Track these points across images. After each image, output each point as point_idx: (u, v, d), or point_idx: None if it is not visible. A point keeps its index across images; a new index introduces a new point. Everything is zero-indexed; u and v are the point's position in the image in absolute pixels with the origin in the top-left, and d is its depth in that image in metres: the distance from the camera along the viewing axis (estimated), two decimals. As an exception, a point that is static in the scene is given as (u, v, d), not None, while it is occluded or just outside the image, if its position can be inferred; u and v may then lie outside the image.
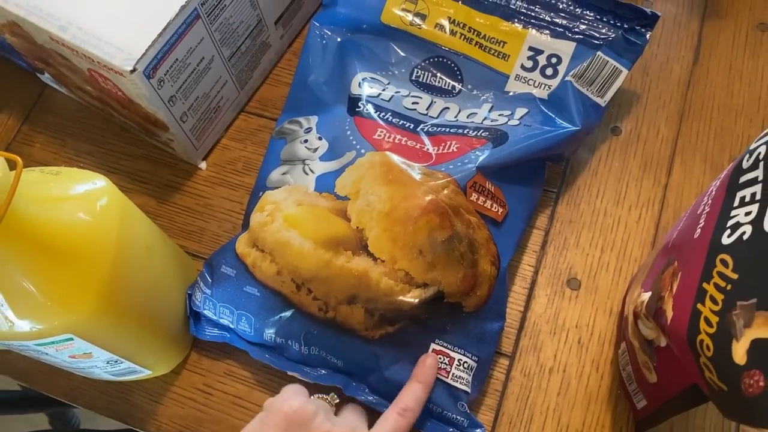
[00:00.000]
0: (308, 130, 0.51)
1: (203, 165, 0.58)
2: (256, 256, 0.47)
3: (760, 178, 0.32)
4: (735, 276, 0.30)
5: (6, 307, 0.36)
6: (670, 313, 0.35)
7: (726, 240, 0.32)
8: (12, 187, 0.31)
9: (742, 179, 0.34)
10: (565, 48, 0.50)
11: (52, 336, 0.37)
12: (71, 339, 0.38)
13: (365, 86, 0.51)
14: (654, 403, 0.41)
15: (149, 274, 0.44)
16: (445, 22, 0.52)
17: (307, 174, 0.48)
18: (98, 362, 0.43)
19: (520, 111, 0.50)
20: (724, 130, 0.56)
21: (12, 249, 0.34)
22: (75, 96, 0.61)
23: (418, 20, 0.52)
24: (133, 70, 0.46)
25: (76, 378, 0.51)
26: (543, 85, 0.50)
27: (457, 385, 0.44)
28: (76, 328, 0.37)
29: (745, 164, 0.34)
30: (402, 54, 0.52)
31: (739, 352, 0.29)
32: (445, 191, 0.45)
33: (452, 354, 0.44)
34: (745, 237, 0.31)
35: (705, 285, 0.32)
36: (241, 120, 0.60)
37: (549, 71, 0.50)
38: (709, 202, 0.36)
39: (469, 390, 0.45)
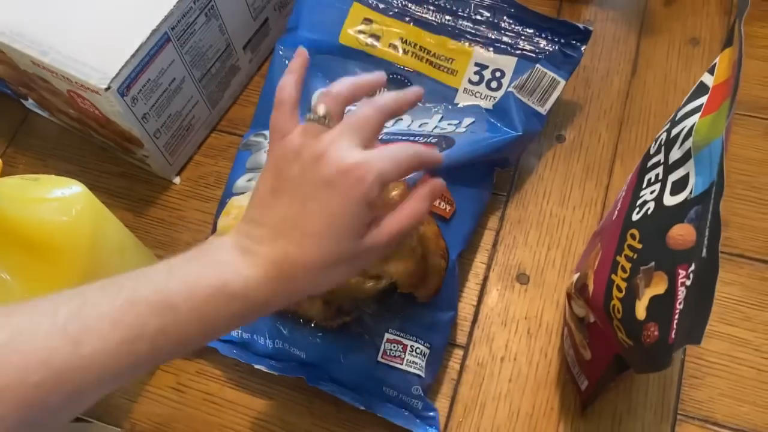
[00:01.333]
0: None
1: (177, 180, 0.62)
2: None
3: (662, 160, 0.36)
4: (640, 246, 0.34)
5: (-13, 299, 0.39)
6: (591, 287, 0.38)
7: (635, 217, 0.36)
8: (-8, 184, 0.35)
9: (649, 163, 0.38)
10: (508, 63, 0.55)
11: (30, 327, 0.40)
12: (48, 330, 0.41)
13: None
14: (592, 381, 0.45)
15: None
16: (398, 42, 0.57)
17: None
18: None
19: (467, 120, 0.54)
20: (661, 135, 0.60)
21: (-7, 244, 0.37)
22: (57, 119, 0.65)
23: (373, 41, 0.57)
24: (108, 88, 0.50)
25: (55, 380, 0.53)
26: (489, 97, 0.55)
27: (411, 369, 0.48)
28: (52, 318, 0.40)
29: (652, 150, 0.38)
30: (359, 72, 0.57)
31: (641, 309, 0.32)
32: (395, 192, 0.49)
33: (405, 341, 0.48)
34: (649, 212, 0.35)
35: (618, 257, 0.36)
36: (213, 138, 0.64)
37: (494, 84, 0.55)
38: (626, 188, 0.40)
39: (423, 374, 0.48)
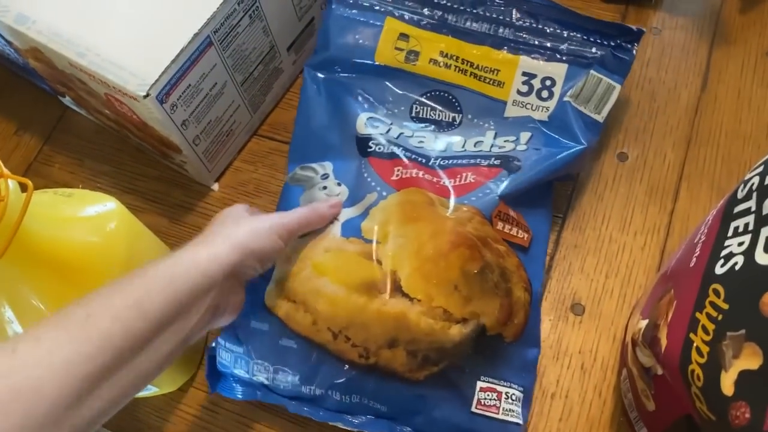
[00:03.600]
0: (325, 176, 0.51)
1: (215, 186, 0.60)
2: (289, 307, 0.46)
3: (753, 209, 0.32)
4: (726, 306, 0.31)
5: (16, 324, 0.37)
6: (664, 342, 0.35)
7: (719, 270, 0.32)
8: (22, 210, 0.32)
9: (737, 209, 0.34)
10: (558, 70, 0.51)
11: (60, 353, 0.38)
12: (78, 356, 0.39)
13: (372, 126, 0.52)
14: (653, 430, 0.41)
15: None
16: (438, 57, 0.53)
17: (332, 221, 0.48)
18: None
19: (525, 135, 0.50)
20: (732, 156, 0.55)
21: (23, 268, 0.35)
22: (94, 118, 0.63)
23: (411, 57, 0.53)
24: (147, 95, 0.47)
25: (86, 394, 0.52)
26: (541, 108, 0.51)
27: (509, 418, 0.44)
28: (83, 345, 0.38)
29: (740, 194, 0.34)
30: (399, 92, 0.53)
31: (727, 383, 0.29)
32: (472, 223, 0.46)
33: (499, 388, 0.44)
34: (737, 267, 0.31)
35: (698, 314, 0.32)
36: (254, 143, 0.62)
37: (545, 94, 0.51)
38: (706, 231, 0.36)
39: (521, 422, 0.44)
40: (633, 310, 0.49)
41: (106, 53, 0.49)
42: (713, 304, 0.31)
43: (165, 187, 0.60)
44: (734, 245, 0.32)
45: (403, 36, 0.53)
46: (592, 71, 0.50)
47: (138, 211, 0.58)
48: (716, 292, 0.32)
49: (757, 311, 0.29)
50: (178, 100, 0.50)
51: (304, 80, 0.54)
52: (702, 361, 0.31)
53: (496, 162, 0.48)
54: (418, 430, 0.44)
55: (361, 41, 0.54)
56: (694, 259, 0.36)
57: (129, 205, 0.45)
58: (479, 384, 0.43)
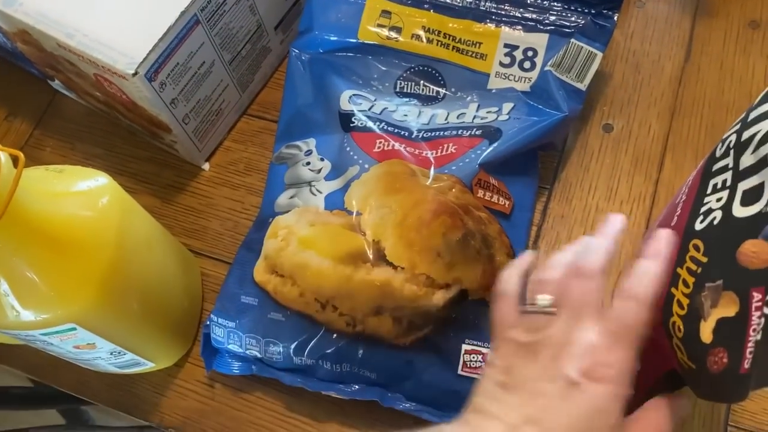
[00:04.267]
0: (308, 153, 0.52)
1: (206, 166, 0.60)
2: (277, 281, 0.47)
3: (731, 165, 0.33)
4: (705, 259, 0.31)
5: (12, 298, 0.38)
6: None
7: (698, 226, 0.33)
8: (14, 182, 0.33)
9: (715, 167, 0.35)
10: (539, 40, 0.52)
11: (56, 325, 0.39)
12: (74, 329, 0.40)
13: (354, 102, 0.52)
14: (639, 392, 0.42)
15: (150, 268, 0.46)
16: (421, 32, 0.54)
17: (314, 195, 0.49)
18: (102, 353, 0.45)
19: (507, 106, 0.51)
20: (715, 126, 0.56)
21: (17, 241, 0.36)
22: (84, 101, 0.63)
23: (394, 33, 0.54)
24: (135, 74, 0.48)
25: (83, 371, 0.52)
26: (523, 79, 0.52)
27: None
28: (78, 318, 0.39)
29: (718, 153, 0.35)
30: (383, 68, 0.54)
31: (706, 332, 0.30)
32: (453, 191, 0.47)
33: (484, 350, 0.45)
34: (715, 222, 0.32)
35: (679, 269, 0.33)
36: (243, 122, 0.62)
37: (527, 64, 0.52)
38: (686, 191, 0.37)
39: None
40: (618, 277, 0.50)
41: (94, 33, 0.50)
42: (693, 259, 0.32)
43: (156, 168, 0.61)
44: (713, 201, 0.33)
45: (385, 13, 0.54)
46: (572, 40, 0.51)
47: (130, 192, 0.58)
48: (696, 247, 0.32)
49: (734, 261, 0.29)
50: (167, 78, 0.51)
51: (290, 60, 0.55)
52: (682, 313, 0.32)
53: (477, 132, 0.49)
54: (409, 395, 0.46)
55: (343, 20, 0.54)
56: (675, 218, 0.36)
57: (122, 186, 0.46)
58: (464, 347, 0.44)
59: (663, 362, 0.37)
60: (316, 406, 0.49)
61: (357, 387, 0.46)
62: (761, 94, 0.34)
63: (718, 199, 0.33)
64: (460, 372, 0.44)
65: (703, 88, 0.58)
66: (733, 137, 0.34)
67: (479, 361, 0.44)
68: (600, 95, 0.59)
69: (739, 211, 0.31)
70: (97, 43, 0.49)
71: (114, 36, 0.49)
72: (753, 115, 0.33)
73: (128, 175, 0.61)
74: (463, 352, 0.44)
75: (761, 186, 0.30)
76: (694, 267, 0.32)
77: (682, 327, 0.32)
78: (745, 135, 0.33)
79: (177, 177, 0.60)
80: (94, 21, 0.50)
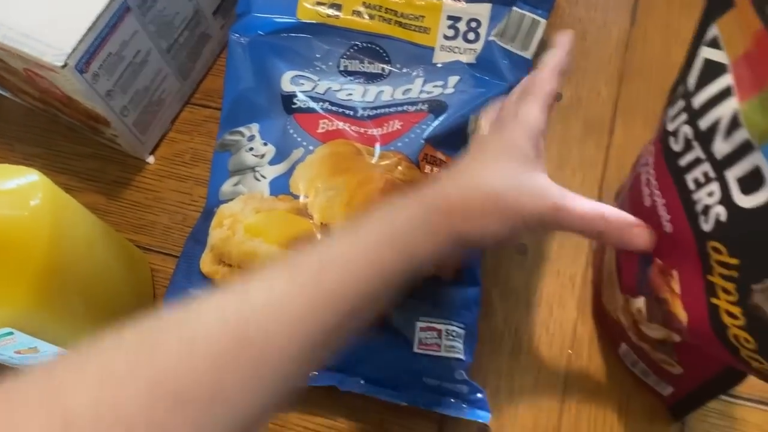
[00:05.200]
0: (251, 138, 0.50)
1: (151, 159, 0.58)
2: (225, 271, 0.46)
3: (703, 157, 0.31)
4: (735, 261, 0.29)
5: (-58, 305, 0.36)
6: (683, 315, 0.33)
7: (706, 227, 0.31)
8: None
9: (683, 162, 0.32)
10: (482, 10, 0.51)
11: (-9, 330, 0.37)
12: (11, 333, 0.38)
13: (296, 84, 0.51)
14: (684, 389, 0.41)
15: (91, 268, 0.44)
16: (362, 8, 0.52)
17: (259, 180, 0.48)
18: (47, 357, 0.43)
19: (453, 79, 0.50)
20: (664, 88, 0.55)
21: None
22: (20, 99, 0.61)
23: (334, 11, 0.52)
24: (65, 65, 0.46)
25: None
26: (469, 51, 0.51)
27: (451, 354, 0.44)
28: (13, 321, 0.37)
29: (677, 147, 0.33)
30: (326, 47, 0.52)
31: None
32: (399, 168, 0.46)
33: (439, 326, 0.44)
34: (722, 218, 0.30)
35: (710, 278, 0.31)
36: (187, 112, 0.60)
37: (471, 36, 0.51)
38: (658, 193, 0.35)
39: (463, 357, 0.45)
40: (595, 273, 0.49)
41: (19, 27, 0.47)
42: (721, 263, 0.30)
43: (100, 164, 0.59)
44: (704, 197, 0.31)
45: (325, -11, 0.53)
46: (514, 8, 0.50)
47: (74, 190, 0.57)
48: (716, 250, 0.30)
49: None
50: (99, 69, 0.49)
51: (229, 45, 0.53)
52: (740, 323, 0.30)
53: (423, 107, 0.48)
54: (367, 377, 0.45)
55: (282, 0, 0.53)
56: (668, 224, 0.34)
57: (65, 185, 0.44)
58: (418, 324, 0.44)
59: (716, 364, 0.36)
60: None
61: (317, 374, 0.45)
62: (695, 78, 0.32)
63: (709, 194, 0.30)
64: (415, 350, 0.44)
65: (650, 51, 0.58)
66: (688, 129, 0.32)
67: (434, 337, 0.44)
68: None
69: (745, 201, 0.28)
70: (24, 36, 0.47)
71: (41, 28, 0.47)
72: (699, 101, 0.31)
73: (71, 174, 0.59)
74: (418, 329, 0.44)
75: (757, 171, 0.28)
76: (726, 272, 0.30)
77: (749, 338, 0.29)
78: (704, 124, 0.30)
79: (122, 172, 0.58)
80: (18, 14, 0.48)
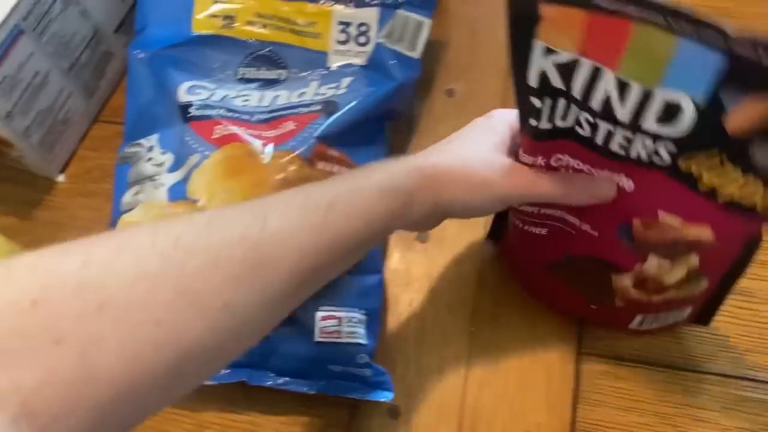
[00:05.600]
0: (150, 149, 0.52)
1: (61, 177, 0.59)
2: None
3: (613, 128, 0.35)
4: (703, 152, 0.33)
5: None
6: (703, 230, 0.37)
7: (662, 162, 0.34)
8: None
9: (600, 140, 0.36)
10: (370, 15, 0.54)
11: None
12: None
13: (193, 93, 0.53)
14: (705, 298, 0.45)
15: None
16: (255, 18, 0.55)
17: (158, 188, 0.49)
18: None
19: (346, 80, 0.53)
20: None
21: None
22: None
23: (228, 22, 0.55)
24: (-43, 90, 0.47)
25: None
26: (360, 53, 0.54)
27: (352, 340, 0.46)
28: None
29: (584, 133, 0.36)
30: (223, 57, 0.55)
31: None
32: (292, 167, 0.48)
33: (338, 314, 0.46)
34: (670, 149, 0.34)
35: (700, 188, 0.34)
36: (96, 129, 0.62)
37: (362, 39, 0.54)
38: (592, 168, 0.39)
39: (365, 342, 0.47)
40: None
41: None
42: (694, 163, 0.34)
43: (9, 186, 0.60)
44: (640, 150, 0.35)
45: (218, 2, 0.55)
46: (399, 11, 0.53)
47: (-16, 215, 0.57)
48: (688, 160, 0.34)
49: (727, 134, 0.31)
50: (-5, 92, 0.50)
51: (129, 62, 0.55)
52: (741, 182, 0.33)
53: (316, 108, 0.51)
54: (275, 370, 0.47)
55: (176, 14, 0.55)
56: (627, 183, 0.38)
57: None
58: (318, 314, 0.46)
59: (728, 256, 0.40)
60: (191, 395, 0.49)
61: (226, 371, 0.47)
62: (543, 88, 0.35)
63: (643, 146, 0.34)
64: (317, 339, 0.46)
65: (535, 44, 0.61)
66: (586, 116, 0.35)
67: (335, 325, 0.46)
68: (441, 63, 0.61)
69: (655, 126, 0.33)
70: None
71: (-67, 54, 0.48)
72: (578, 92, 0.34)
73: (-20, 198, 0.59)
74: (318, 319, 0.46)
75: (670, 104, 0.31)
76: (706, 162, 0.33)
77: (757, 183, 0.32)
78: (597, 105, 0.34)
79: (32, 192, 0.59)
80: None
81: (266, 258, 0.30)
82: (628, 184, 0.37)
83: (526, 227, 0.44)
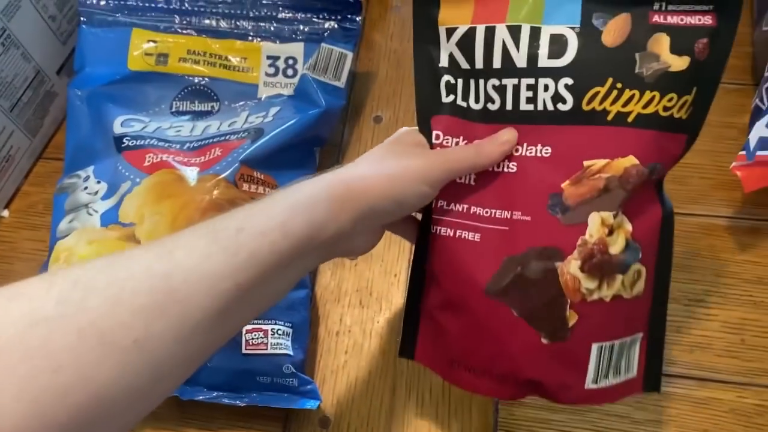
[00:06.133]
0: (86, 179, 0.54)
1: (5, 213, 0.61)
2: None
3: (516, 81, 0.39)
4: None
5: None
6: None
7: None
8: None
9: (493, 109, 0.41)
10: (296, 49, 0.58)
11: None
12: None
13: (127, 126, 0.56)
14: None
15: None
16: (187, 55, 0.59)
17: (91, 215, 0.52)
18: None
19: (274, 109, 0.56)
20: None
21: None
22: None
23: (162, 59, 0.58)
24: None
25: None
26: (288, 85, 0.58)
27: (277, 351, 0.48)
28: None
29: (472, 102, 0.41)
30: (157, 92, 0.58)
31: None
32: (218, 189, 0.51)
33: (265, 327, 0.49)
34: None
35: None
36: (40, 166, 0.64)
37: (290, 72, 0.58)
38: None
39: (290, 352, 0.49)
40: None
41: None
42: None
43: (-46, 224, 0.61)
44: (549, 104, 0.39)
45: (151, 41, 0.58)
46: (323, 44, 0.57)
47: (-70, 251, 0.59)
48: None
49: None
50: (-65, 129, 0.52)
51: (69, 99, 0.58)
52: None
53: (243, 135, 0.54)
54: (206, 384, 0.48)
55: (113, 54, 0.58)
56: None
57: None
58: (245, 327, 0.48)
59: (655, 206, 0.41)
60: (155, 418, 0.51)
61: None
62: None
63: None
64: (244, 351, 0.48)
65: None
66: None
67: (261, 337, 0.48)
68: (369, 92, 0.65)
69: (549, 61, 0.38)
70: None
71: None
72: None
73: (-74, 235, 0.61)
74: (245, 332, 0.48)
75: (557, 37, 0.38)
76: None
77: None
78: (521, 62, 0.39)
79: (-24, 228, 0.61)
80: None
81: (177, 285, 0.28)
82: (545, 151, 0.39)
83: (459, 233, 0.41)
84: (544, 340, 0.39)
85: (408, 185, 0.38)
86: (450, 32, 0.40)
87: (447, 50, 0.40)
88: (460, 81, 0.41)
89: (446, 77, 0.41)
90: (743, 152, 0.52)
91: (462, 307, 0.41)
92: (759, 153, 0.51)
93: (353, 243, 0.39)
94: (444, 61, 0.41)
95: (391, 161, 0.39)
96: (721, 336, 0.52)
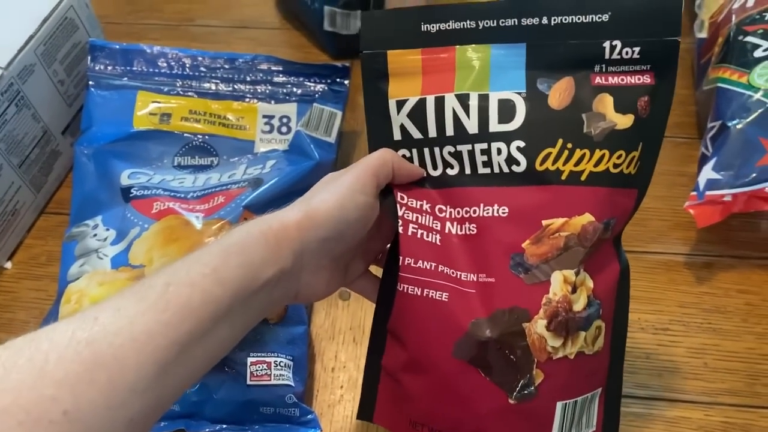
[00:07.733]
0: (95, 227, 0.58)
1: (8, 264, 0.64)
2: None
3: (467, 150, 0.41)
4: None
5: None
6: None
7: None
8: None
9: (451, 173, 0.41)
10: (290, 109, 0.63)
11: None
12: None
13: (134, 178, 0.60)
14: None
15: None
16: (188, 114, 0.64)
17: (101, 259, 0.55)
18: None
19: (270, 162, 0.61)
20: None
21: None
22: None
23: (165, 118, 0.64)
24: None
25: None
26: (283, 141, 0.63)
27: (280, 382, 0.51)
28: None
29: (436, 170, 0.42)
30: (161, 148, 0.63)
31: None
32: (222, 231, 0.55)
33: (268, 359, 0.51)
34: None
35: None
36: (42, 220, 0.67)
37: (284, 129, 0.63)
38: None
39: (292, 383, 0.51)
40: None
41: None
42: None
43: (-43, 275, 0.64)
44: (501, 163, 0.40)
45: (156, 103, 0.63)
46: (315, 104, 0.63)
47: (-68, 303, 0.61)
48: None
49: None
50: (-49, 182, 0.55)
51: (76, 156, 0.62)
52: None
53: (243, 184, 0.58)
54: (211, 418, 0.51)
55: (119, 115, 0.63)
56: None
57: None
58: (250, 359, 0.51)
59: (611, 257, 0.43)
60: None
61: (163, 423, 0.51)
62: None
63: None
64: (249, 382, 0.51)
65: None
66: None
67: (264, 369, 0.51)
68: (356, 148, 0.71)
69: (499, 126, 0.40)
70: None
71: None
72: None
73: (-72, 287, 0.63)
74: (249, 364, 0.51)
75: (506, 102, 0.40)
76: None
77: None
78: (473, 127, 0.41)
79: (-20, 279, 0.63)
80: None
81: (103, 350, 0.27)
82: (502, 211, 0.40)
83: (426, 292, 0.41)
84: (511, 401, 0.39)
85: (344, 201, 0.37)
86: (400, 104, 0.41)
87: (398, 122, 0.41)
88: (414, 151, 0.41)
89: (402, 151, 0.42)
90: (695, 193, 0.58)
91: (427, 367, 0.40)
92: (708, 192, 0.57)
93: (301, 282, 0.38)
94: (397, 135, 0.41)
95: (321, 192, 0.39)
96: (686, 360, 0.56)
